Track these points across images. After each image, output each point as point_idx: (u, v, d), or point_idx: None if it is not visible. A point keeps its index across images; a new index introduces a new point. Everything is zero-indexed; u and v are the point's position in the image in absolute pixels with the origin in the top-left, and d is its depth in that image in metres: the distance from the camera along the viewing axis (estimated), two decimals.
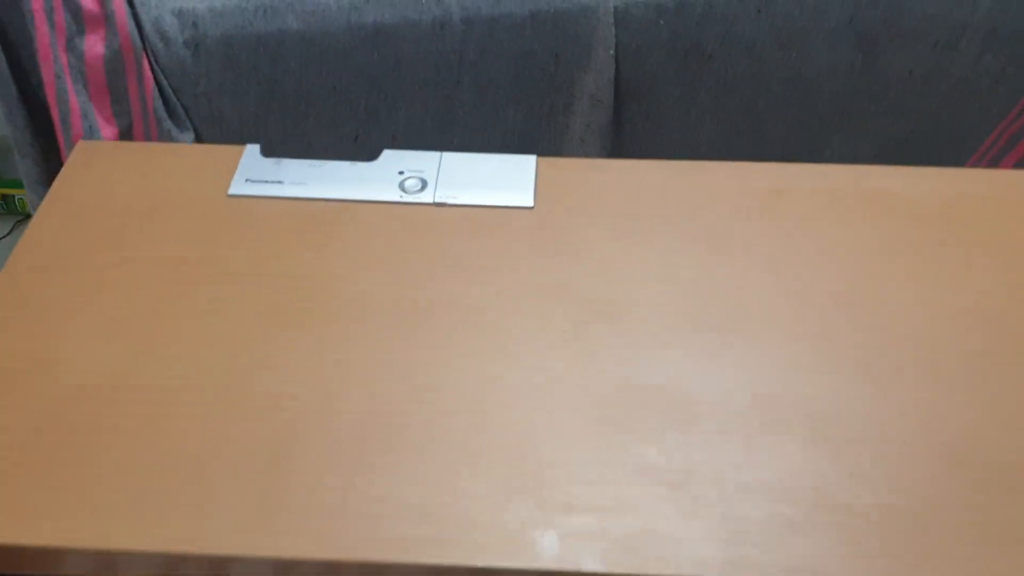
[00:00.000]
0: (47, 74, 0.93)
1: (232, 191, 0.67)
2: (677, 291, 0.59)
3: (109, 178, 0.68)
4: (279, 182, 0.67)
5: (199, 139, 1.00)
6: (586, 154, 1.04)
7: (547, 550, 0.45)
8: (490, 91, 1.02)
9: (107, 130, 0.99)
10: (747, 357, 0.55)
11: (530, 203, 0.65)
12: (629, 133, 1.06)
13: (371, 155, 0.70)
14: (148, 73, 0.96)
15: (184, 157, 0.70)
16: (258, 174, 0.68)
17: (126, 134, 1.00)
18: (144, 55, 0.94)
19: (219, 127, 1.00)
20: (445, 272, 0.60)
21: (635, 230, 0.63)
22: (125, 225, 0.64)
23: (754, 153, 1.12)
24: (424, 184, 0.67)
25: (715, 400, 0.53)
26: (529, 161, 0.68)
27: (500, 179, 0.67)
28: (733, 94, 1.06)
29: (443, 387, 0.54)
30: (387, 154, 0.70)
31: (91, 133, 0.97)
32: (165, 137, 0.98)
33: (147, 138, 1.00)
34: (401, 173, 0.68)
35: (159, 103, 0.98)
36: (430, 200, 0.66)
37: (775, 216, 0.64)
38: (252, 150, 0.69)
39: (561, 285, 0.59)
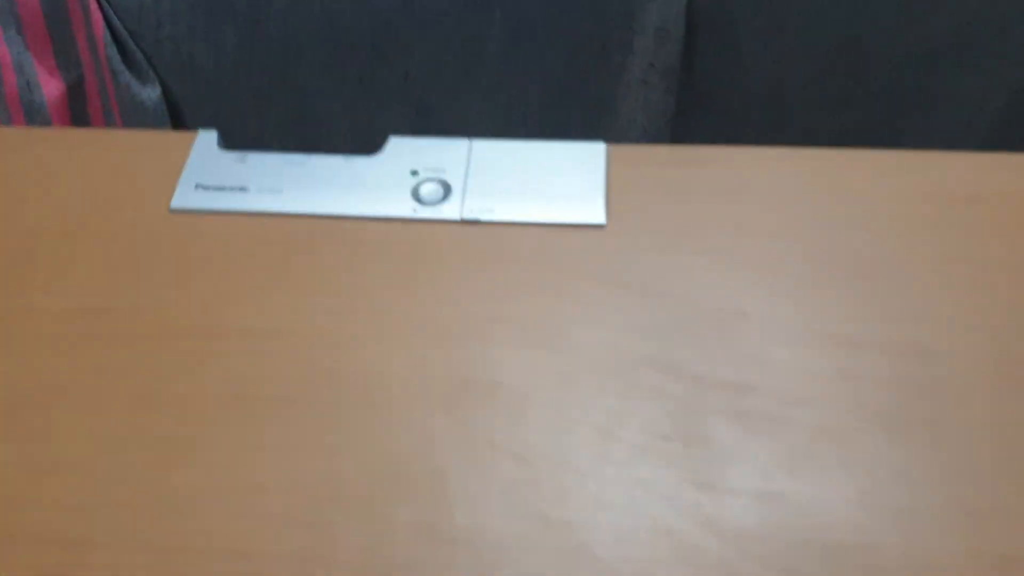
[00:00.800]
0: None
1: (175, 203, 0.47)
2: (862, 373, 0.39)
3: (6, 184, 0.48)
4: (242, 189, 0.47)
5: (167, 94, 0.80)
6: (647, 100, 0.83)
7: None
8: (526, 24, 0.81)
9: (50, 86, 0.79)
10: None
11: (601, 219, 0.45)
12: (701, 73, 0.85)
13: (369, 145, 0.49)
14: (97, 14, 0.76)
15: (112, 151, 0.50)
16: (213, 176, 0.48)
17: (75, 90, 0.80)
18: None
19: (191, 78, 0.80)
20: (481, 331, 0.41)
21: (766, 262, 0.43)
22: (27, 259, 0.45)
23: (850, 96, 0.90)
24: (447, 190, 0.47)
25: None
26: (596, 152, 0.48)
27: (555, 180, 0.47)
28: (827, 23, 0.84)
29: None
30: (394, 144, 0.49)
31: (29, 91, 0.76)
32: (123, 93, 0.77)
33: (102, 95, 0.80)
34: (415, 173, 0.47)
35: (113, 50, 0.78)
36: (456, 215, 0.46)
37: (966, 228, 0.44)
38: (205, 140, 0.49)
39: (657, 354, 0.40)
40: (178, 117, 0.83)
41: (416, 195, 0.47)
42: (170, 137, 0.51)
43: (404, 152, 0.49)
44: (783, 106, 0.87)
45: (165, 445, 0.38)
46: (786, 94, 0.90)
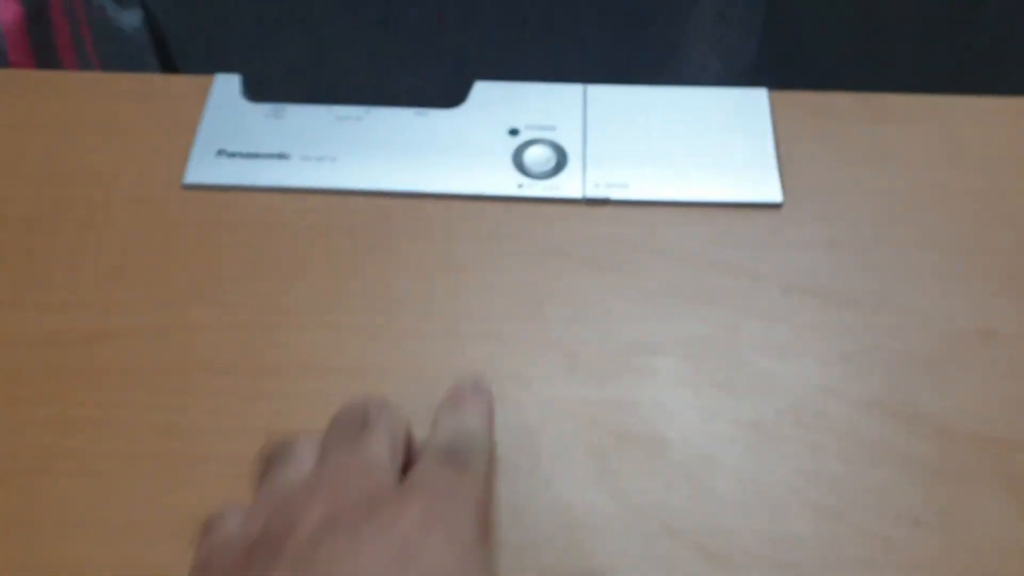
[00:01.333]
0: None
1: (191, 177, 0.34)
2: None
3: None
4: (281, 155, 0.34)
5: (151, 21, 0.66)
6: (723, 42, 0.70)
7: None
8: None
9: (5, 9, 0.64)
10: None
11: (776, 196, 0.33)
12: (786, 10, 0.71)
13: (447, 87, 0.37)
14: None
15: (96, 101, 0.37)
16: (240, 138, 0.35)
17: (37, 15, 0.65)
18: None
19: (181, 4, 0.65)
20: (632, 365, 0.29)
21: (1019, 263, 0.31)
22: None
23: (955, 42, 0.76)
24: (561, 157, 0.34)
25: None
26: (756, 100, 0.35)
27: (704, 141, 0.35)
28: None
29: None
30: (482, 91, 0.36)
31: None
32: (96, 16, 0.63)
33: (71, 20, 0.65)
34: (514, 133, 0.35)
35: None
36: (576, 192, 0.33)
37: None
38: (225, 87, 0.36)
39: (885, 397, 0.28)
40: (164, 50, 0.69)
41: (520, 164, 0.34)
42: (172, 82, 0.38)
43: (496, 102, 0.36)
44: (879, 54, 0.74)
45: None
46: (882, 39, 0.77)
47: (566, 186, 0.34)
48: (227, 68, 0.70)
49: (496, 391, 0.28)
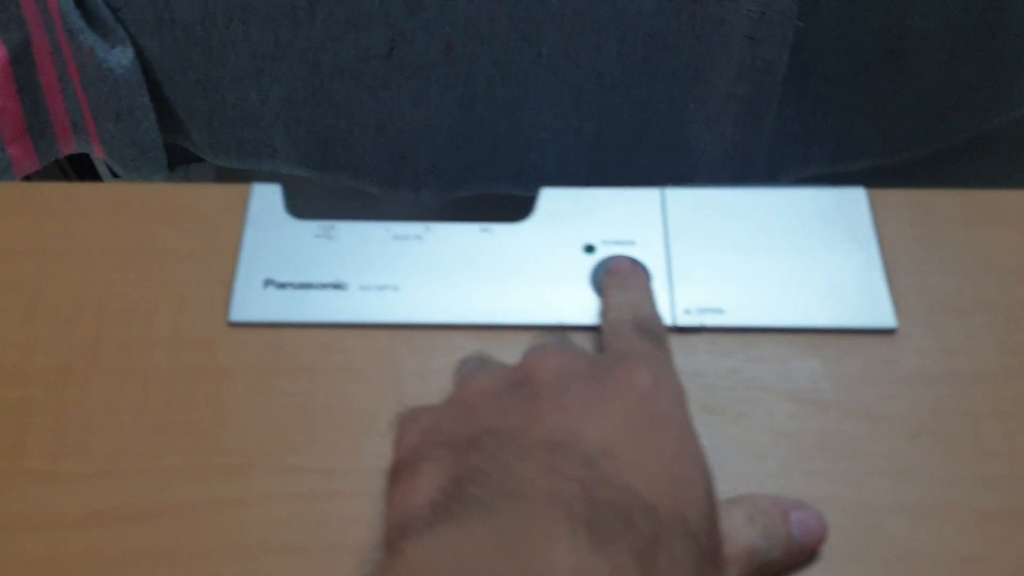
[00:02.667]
0: None
1: (236, 314, 0.30)
2: None
3: None
4: (337, 285, 0.31)
5: (142, 60, 0.61)
6: (756, 58, 0.66)
7: None
8: None
9: None
10: None
11: (890, 322, 0.30)
12: (816, 20, 0.68)
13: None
14: None
15: (131, 215, 0.33)
16: (288, 263, 0.31)
17: (20, 55, 0.61)
18: None
19: (171, 39, 0.61)
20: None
21: None
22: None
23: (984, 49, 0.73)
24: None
25: None
26: (855, 201, 0.32)
27: (802, 251, 0.32)
28: None
29: None
30: (549, 199, 0.33)
31: None
32: (84, 59, 0.59)
33: (57, 59, 0.61)
34: (590, 250, 0.32)
35: (69, 3, 0.59)
36: (666, 319, 0.30)
37: None
38: (264, 200, 0.33)
39: None
40: (158, 91, 0.64)
41: (599, 286, 0.31)
42: (205, 192, 0.34)
43: (566, 214, 0.33)
44: (904, 58, 0.71)
45: None
46: (908, 43, 0.73)
47: None
48: (220, 102, 0.66)
49: None
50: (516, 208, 0.34)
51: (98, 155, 0.68)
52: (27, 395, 0.30)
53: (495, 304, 0.31)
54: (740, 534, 0.24)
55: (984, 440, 0.28)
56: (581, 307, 0.31)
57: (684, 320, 0.31)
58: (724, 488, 0.25)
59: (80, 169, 0.88)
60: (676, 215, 0.33)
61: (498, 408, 0.23)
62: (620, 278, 0.30)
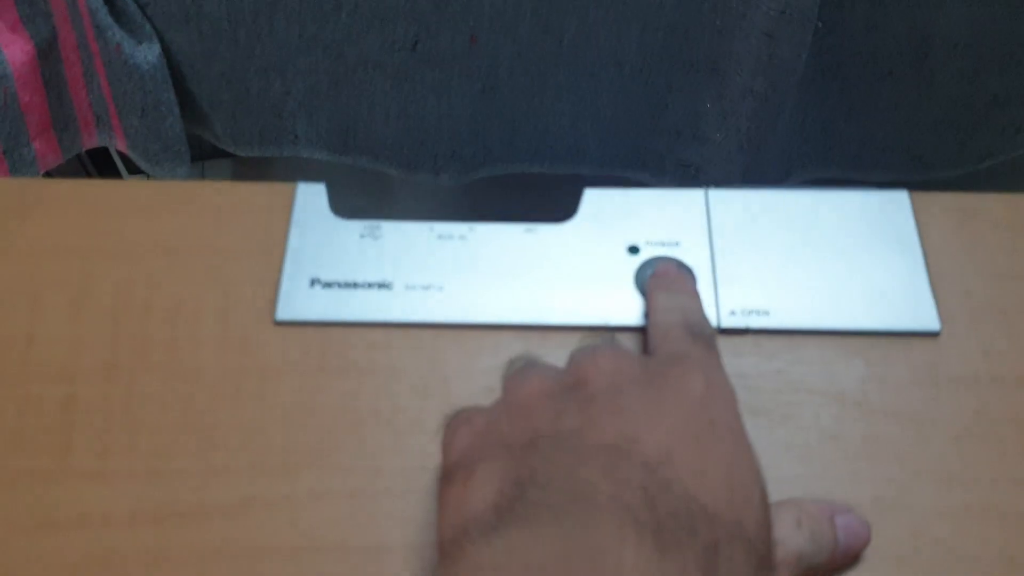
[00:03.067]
0: None
1: (283, 313, 0.31)
2: None
3: (12, 282, 0.31)
4: (383, 285, 0.31)
5: (168, 54, 0.61)
6: (773, 55, 0.66)
7: None
8: None
9: (15, 46, 0.60)
10: None
11: (934, 325, 0.30)
12: (839, 23, 0.67)
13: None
14: None
15: (174, 213, 0.33)
16: (333, 262, 0.31)
17: (47, 52, 0.61)
18: None
19: (198, 33, 0.61)
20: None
21: None
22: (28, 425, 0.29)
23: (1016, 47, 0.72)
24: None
25: None
26: (900, 203, 0.32)
27: (847, 252, 0.32)
28: None
29: None
30: (592, 200, 0.33)
31: None
32: (111, 55, 0.59)
33: (83, 55, 0.61)
34: (634, 251, 0.32)
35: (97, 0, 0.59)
36: (711, 321, 0.30)
37: None
38: (308, 200, 0.33)
39: None
40: (182, 84, 0.65)
41: (643, 286, 0.31)
42: (249, 191, 0.34)
43: (609, 215, 0.33)
44: (928, 66, 0.71)
45: None
46: (937, 48, 0.73)
47: None
48: (245, 98, 0.66)
49: None
50: (555, 205, 0.34)
51: (120, 149, 0.69)
52: (74, 393, 0.30)
53: (539, 304, 0.31)
54: (788, 539, 0.24)
55: None
56: (625, 308, 0.31)
57: (729, 322, 0.31)
58: (770, 490, 0.25)
59: (100, 164, 0.88)
60: (720, 216, 0.33)
61: (553, 411, 0.23)
62: (667, 281, 0.30)
